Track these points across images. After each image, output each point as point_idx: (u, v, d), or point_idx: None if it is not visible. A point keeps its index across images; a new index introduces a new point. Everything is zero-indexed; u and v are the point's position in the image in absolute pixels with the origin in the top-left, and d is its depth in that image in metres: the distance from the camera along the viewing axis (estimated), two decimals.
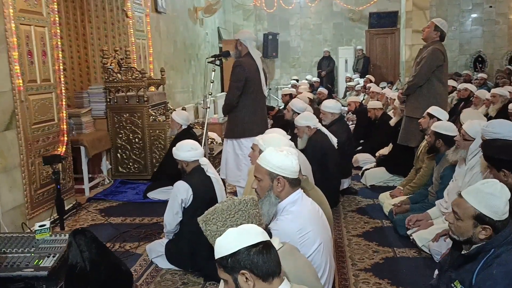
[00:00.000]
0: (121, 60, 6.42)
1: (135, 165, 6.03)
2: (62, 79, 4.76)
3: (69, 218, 4.67)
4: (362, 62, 12.78)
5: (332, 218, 2.76)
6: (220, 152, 6.11)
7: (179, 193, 3.35)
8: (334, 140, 4.68)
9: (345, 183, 5.19)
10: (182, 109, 6.50)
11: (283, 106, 9.28)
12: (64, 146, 4.72)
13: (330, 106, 5.16)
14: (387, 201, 4.59)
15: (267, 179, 2.29)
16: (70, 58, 6.34)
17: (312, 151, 4.50)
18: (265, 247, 1.56)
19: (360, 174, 5.84)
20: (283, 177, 2.27)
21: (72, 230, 2.81)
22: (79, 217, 4.74)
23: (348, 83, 11.41)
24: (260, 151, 2.88)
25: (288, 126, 5.85)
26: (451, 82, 8.49)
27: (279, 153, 2.30)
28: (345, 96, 11.72)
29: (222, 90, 12.13)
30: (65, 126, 4.77)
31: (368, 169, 5.78)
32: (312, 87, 11.17)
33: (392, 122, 6.03)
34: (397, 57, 12.96)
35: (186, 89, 9.41)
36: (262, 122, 4.54)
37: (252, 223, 1.85)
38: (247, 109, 4.41)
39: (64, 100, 4.81)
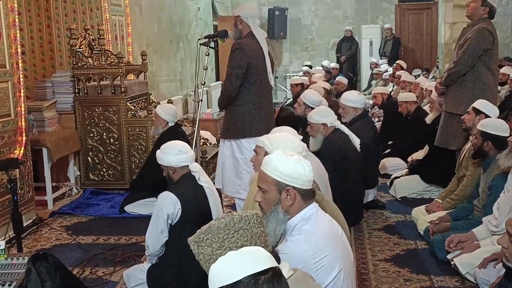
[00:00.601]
0: (92, 41, 6.44)
1: (110, 172, 6.04)
2: (20, 64, 4.77)
3: (28, 237, 4.68)
4: (391, 44, 12.80)
5: (349, 238, 2.77)
6: (215, 156, 6.11)
7: (164, 207, 3.34)
8: (356, 141, 4.68)
9: (370, 195, 5.20)
10: (168, 102, 6.48)
11: (291, 99, 9.31)
12: (22, 148, 4.74)
13: (352, 99, 5.16)
14: (422, 217, 4.58)
15: (274, 190, 2.29)
16: (30, 38, 6.36)
17: (329, 154, 4.51)
18: (274, 275, 1.55)
19: (388, 184, 5.84)
20: (294, 187, 2.27)
21: (32, 255, 2.81)
22: (41, 235, 4.74)
23: (374, 70, 11.42)
24: (266, 155, 2.87)
25: (299, 123, 5.85)
26: (502, 70, 8.48)
27: (289, 157, 2.30)
28: (369, 86, 11.74)
29: (218, 79, 12.18)
30: (23, 123, 4.78)
31: (398, 177, 5.78)
32: (329, 75, 11.18)
33: (429, 119, 6.02)
34: (434, 38, 12.95)
35: (173, 77, 9.43)
36: (268, 119, 4.54)
37: (256, 244, 1.83)
38: (249, 102, 4.41)
39: (22, 90, 4.82)
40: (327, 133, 4.63)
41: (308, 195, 2.31)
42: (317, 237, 2.23)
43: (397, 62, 11.09)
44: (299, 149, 2.90)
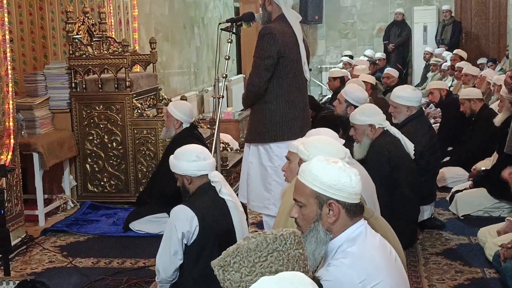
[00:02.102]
0: (92, 26, 6.51)
1: (112, 182, 6.09)
2: (8, 54, 4.83)
3: (17, 259, 4.73)
4: (451, 30, 12.71)
5: (405, 262, 2.75)
6: (238, 163, 6.12)
7: (179, 224, 3.36)
8: (409, 146, 4.65)
9: (426, 212, 5.15)
10: (182, 99, 6.51)
11: (330, 96, 9.29)
12: (10, 153, 4.80)
13: (406, 95, 5.13)
14: (490, 239, 4.53)
15: (313, 204, 2.28)
16: (19, 23, 6.45)
17: (376, 162, 4.49)
18: None
19: (448, 199, 5.79)
20: (337, 201, 2.26)
21: (20, 282, 2.84)
22: (31, 257, 4.79)
23: (430, 61, 11.33)
24: (301, 162, 2.87)
25: (339, 125, 5.83)
26: None
27: (332, 165, 2.29)
28: (423, 80, 11.65)
29: (239, 72, 12.21)
30: (11, 124, 4.85)
31: (461, 191, 5.72)
32: (375, 67, 11.13)
33: (498, 121, 5.94)
34: (503, 22, 12.79)
35: (186, 69, 9.49)
36: (303, 119, 4.53)
37: (293, 269, 1.83)
38: (280, 99, 4.41)
39: (10, 84, 4.89)
40: (375, 137, 4.61)
41: (355, 211, 2.30)
42: (366, 262, 2.22)
43: (456, 51, 10.98)
44: (341, 155, 2.89)
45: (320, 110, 7.32)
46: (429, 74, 11.27)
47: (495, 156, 5.84)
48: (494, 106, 6.69)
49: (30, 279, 3.15)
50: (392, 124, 4.86)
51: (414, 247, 4.73)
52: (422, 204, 4.99)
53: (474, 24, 13.45)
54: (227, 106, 9.62)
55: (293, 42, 4.42)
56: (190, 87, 9.60)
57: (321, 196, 2.26)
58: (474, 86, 7.63)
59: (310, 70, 4.67)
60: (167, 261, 3.40)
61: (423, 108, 8.48)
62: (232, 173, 6.25)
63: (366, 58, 11.65)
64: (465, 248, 4.74)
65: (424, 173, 4.99)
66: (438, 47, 12.38)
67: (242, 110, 9.02)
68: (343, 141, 3.52)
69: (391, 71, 9.59)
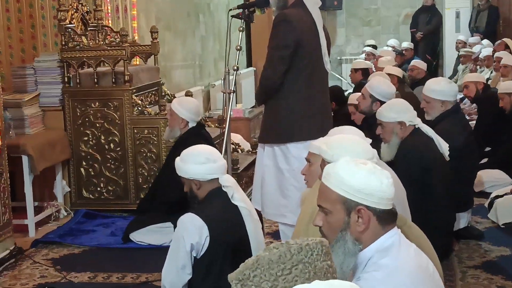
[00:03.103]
0: (87, 14, 6.52)
1: (110, 188, 6.10)
2: None
3: (5, 273, 4.74)
4: (486, 16, 12.64)
5: (442, 276, 2.74)
6: (250, 166, 6.11)
7: (187, 234, 3.37)
8: (444, 146, 4.64)
9: (462, 220, 5.14)
10: (187, 95, 6.51)
11: (351, 91, 9.27)
12: None
13: (440, 88, 5.11)
14: None
15: (340, 211, 2.28)
16: (5, 11, 6.46)
17: (407, 164, 4.48)
18: None
19: (486, 205, 5.76)
20: (367, 207, 2.26)
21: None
22: (21, 271, 4.79)
23: (461, 51, 11.29)
24: (324, 164, 2.87)
25: (364, 122, 5.82)
26: None
27: (360, 166, 2.29)
28: (455, 73, 11.60)
29: (250, 65, 12.21)
30: None
31: (501, 196, 5.69)
32: (401, 59, 11.10)
33: None
34: None
35: (191, 62, 9.50)
36: (324, 116, 4.53)
37: None
38: (299, 94, 4.41)
39: None
40: (405, 136, 4.60)
41: (387, 218, 2.30)
42: (400, 276, 2.21)
43: (502, 40, 10.87)
44: (369, 156, 2.89)
45: (344, 104, 7.32)
46: (460, 67, 11.23)
47: None
48: None
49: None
50: (424, 121, 4.84)
51: (450, 260, 4.71)
52: (458, 212, 4.97)
53: None
54: (236, 103, 9.61)
55: (312, 30, 4.42)
56: (195, 81, 9.61)
57: (349, 202, 2.26)
58: None
59: (329, 61, 4.67)
60: (174, 276, 3.40)
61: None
62: (243, 178, 6.25)
63: (391, 48, 11.64)
64: (507, 261, 4.71)
65: (460, 176, 4.97)
66: (472, 36, 12.33)
67: (253, 107, 9.04)
68: (370, 140, 3.52)
69: (418, 63, 9.54)
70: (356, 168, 2.28)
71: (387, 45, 12.33)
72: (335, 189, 2.28)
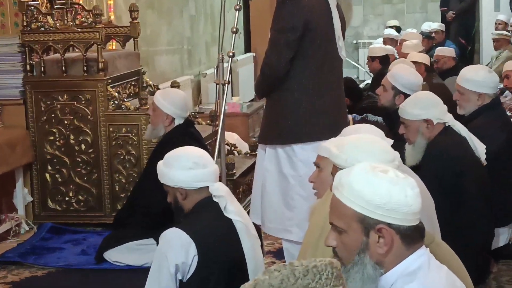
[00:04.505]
0: None
1: (81, 197, 6.10)
2: None
3: None
4: None
5: None
6: (248, 172, 6.11)
7: (171, 253, 3.37)
8: (480, 148, 4.64)
9: (502, 236, 5.15)
10: (173, 86, 6.51)
11: (369, 82, 9.28)
12: None
13: (478, 79, 5.12)
14: None
15: (357, 230, 2.27)
16: None
17: (436, 170, 4.48)
18: None
19: None
20: (390, 225, 2.24)
21: None
22: None
23: (495, 34, 11.27)
24: (335, 170, 2.86)
25: (385, 119, 5.82)
26: None
27: (380, 176, 2.27)
28: (492, 60, 11.59)
29: (248, 50, 12.21)
30: None
31: None
32: (431, 43, 11.09)
33: None
34: None
35: (178, 46, 9.51)
36: (337, 113, 4.55)
37: None
38: (307, 86, 4.43)
39: None
40: (433, 136, 4.59)
41: (413, 236, 2.28)
42: None
43: None
44: (389, 158, 2.89)
45: (360, 99, 7.30)
46: (493, 54, 11.21)
47: None
48: None
49: None
50: (456, 117, 4.83)
51: (487, 283, 4.72)
52: (497, 226, 4.97)
53: None
54: (233, 95, 9.63)
55: (323, 9, 4.44)
56: (183, 70, 9.61)
57: (367, 220, 2.24)
58: None
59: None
60: None
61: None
62: (240, 185, 6.26)
63: (418, 32, 11.62)
64: None
65: (499, 183, 4.97)
66: None
67: (253, 100, 9.04)
68: (391, 141, 3.51)
69: (442, 50, 9.51)
70: (374, 178, 2.26)
71: (422, 30, 12.30)
72: (350, 205, 2.26)
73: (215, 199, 3.49)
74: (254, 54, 11.79)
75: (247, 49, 12.31)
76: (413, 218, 2.26)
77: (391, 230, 2.24)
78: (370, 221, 2.24)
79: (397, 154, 3.19)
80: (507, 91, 7.98)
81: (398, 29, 12.21)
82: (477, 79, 5.11)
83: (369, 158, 2.68)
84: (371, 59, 8.36)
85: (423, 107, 4.63)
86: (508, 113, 7.80)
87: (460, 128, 4.66)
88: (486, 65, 11.56)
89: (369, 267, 2.25)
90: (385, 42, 10.67)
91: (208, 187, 3.49)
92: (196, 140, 5.15)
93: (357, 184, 2.25)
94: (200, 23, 10.31)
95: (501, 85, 8.02)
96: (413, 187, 2.27)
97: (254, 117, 8.50)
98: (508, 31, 11.18)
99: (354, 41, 13.97)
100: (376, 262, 2.26)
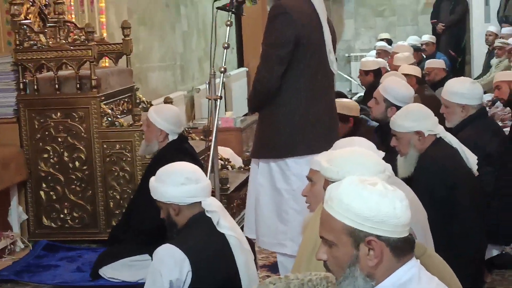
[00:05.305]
0: (45, 7, 6.52)
1: (75, 214, 6.08)
2: None
3: None
4: None
5: None
6: (242, 186, 6.11)
7: (165, 270, 3.38)
8: (471, 159, 4.64)
9: (495, 247, 5.14)
10: (166, 102, 6.51)
11: (362, 94, 9.29)
12: None
13: (461, 91, 5.15)
14: None
15: (347, 243, 2.27)
16: None
17: (428, 181, 4.49)
18: None
19: None
20: (379, 237, 2.25)
21: None
22: None
23: (498, 42, 11.29)
24: (327, 184, 2.87)
25: (377, 132, 5.83)
26: None
27: (369, 188, 2.28)
28: (486, 69, 11.61)
29: (241, 65, 12.22)
30: None
31: None
32: (421, 56, 11.12)
33: None
34: None
35: (170, 62, 9.51)
36: (329, 126, 4.55)
37: None
38: (299, 100, 4.43)
39: None
40: (425, 147, 4.59)
41: (403, 248, 2.29)
42: None
43: None
44: (379, 170, 2.92)
45: None
46: (493, 61, 11.23)
47: None
48: None
49: None
50: (446, 129, 4.85)
51: None
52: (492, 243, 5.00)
53: None
54: (226, 110, 9.63)
55: (314, 24, 4.45)
56: (176, 85, 9.61)
57: (356, 233, 2.25)
58: None
59: (335, 60, 4.70)
60: None
61: (487, 108, 8.51)
62: (234, 199, 6.25)
63: (409, 44, 11.66)
64: None
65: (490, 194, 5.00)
66: (501, 26, 12.39)
67: (246, 115, 9.04)
68: (383, 153, 3.52)
69: (432, 63, 9.50)
70: (363, 191, 2.27)
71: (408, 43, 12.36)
72: (339, 218, 2.27)
73: (207, 214, 3.49)
74: (247, 69, 11.80)
75: (240, 64, 12.31)
76: (403, 230, 2.27)
77: (381, 242, 2.24)
78: (359, 234, 2.24)
79: (388, 165, 3.21)
80: (498, 102, 8.00)
81: (389, 42, 12.23)
82: (461, 91, 5.15)
83: (359, 170, 2.72)
84: (365, 72, 8.35)
85: (414, 119, 4.64)
86: (500, 123, 7.83)
87: (451, 139, 4.67)
88: (478, 76, 11.65)
89: (360, 280, 2.25)
90: (379, 54, 10.69)
91: (200, 202, 3.50)
92: (190, 155, 5.15)
93: (346, 197, 2.26)
94: (193, 39, 10.32)
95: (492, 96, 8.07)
96: (402, 199, 2.28)
97: (247, 131, 8.49)
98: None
99: (346, 55, 13.98)
100: (367, 275, 2.26)
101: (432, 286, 2.31)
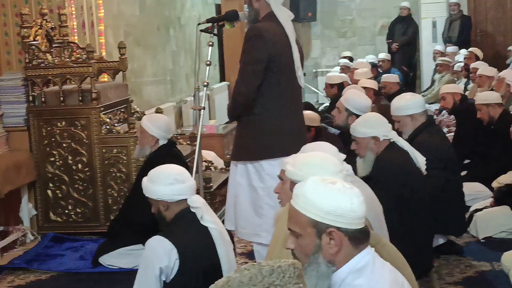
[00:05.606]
0: (52, 30, 6.50)
1: (78, 210, 6.05)
2: None
3: None
4: (459, 26, 12.80)
5: None
6: (224, 184, 6.10)
7: (156, 258, 3.38)
8: (420, 160, 4.67)
9: (441, 237, 5.17)
10: (157, 112, 6.51)
11: (327, 104, 9.32)
12: None
13: (404, 103, 5.17)
14: None
15: (311, 234, 2.29)
16: None
17: (383, 180, 4.50)
18: None
19: (466, 219, 5.78)
20: (339, 229, 2.27)
21: None
22: None
23: (439, 59, 11.39)
24: (293, 185, 2.88)
25: (340, 137, 5.85)
26: None
27: (329, 186, 2.30)
28: (432, 83, 11.70)
29: (223, 79, 12.22)
30: None
31: (480, 210, 5.74)
32: (378, 71, 11.17)
33: None
34: None
35: (161, 77, 9.49)
36: (298, 132, 4.55)
37: None
38: (272, 109, 4.42)
39: None
40: (380, 150, 4.62)
41: (360, 238, 2.31)
42: None
43: (469, 50, 11.05)
44: (336, 170, 2.94)
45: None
46: (436, 76, 11.33)
47: None
48: None
49: None
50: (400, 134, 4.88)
51: (429, 276, 4.73)
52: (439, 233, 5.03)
53: (490, 19, 13.55)
54: (210, 119, 9.62)
55: (285, 44, 4.44)
56: (167, 97, 9.59)
57: (319, 225, 2.27)
58: (492, 90, 7.66)
59: (304, 74, 4.71)
60: None
61: (435, 116, 8.58)
62: (217, 196, 6.24)
63: (368, 61, 11.70)
64: (488, 276, 4.74)
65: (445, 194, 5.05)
66: (446, 46, 12.48)
67: (227, 122, 9.03)
68: (344, 156, 3.53)
69: (387, 77, 9.50)
70: (324, 189, 2.29)
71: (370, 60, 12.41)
72: (304, 212, 2.29)
73: (192, 210, 3.50)
74: (228, 83, 11.77)
75: (222, 78, 12.30)
76: (359, 222, 2.28)
77: (340, 233, 2.26)
78: (322, 226, 2.26)
79: (345, 166, 3.24)
80: (444, 111, 8.06)
81: (351, 59, 12.24)
82: (404, 104, 5.16)
83: (318, 171, 2.73)
84: (330, 85, 8.34)
85: (371, 126, 4.67)
86: (445, 130, 7.90)
87: (403, 143, 4.71)
88: (427, 89, 11.73)
89: (323, 265, 2.27)
90: (342, 70, 10.71)
91: (186, 199, 3.50)
92: (178, 158, 5.15)
93: (310, 194, 2.28)
94: (181, 57, 10.30)
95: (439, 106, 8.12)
96: (358, 196, 2.30)
97: (228, 137, 8.47)
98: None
99: (314, 70, 13.99)
100: (329, 261, 2.28)
101: (385, 270, 2.33)
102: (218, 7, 12.10)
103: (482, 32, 13.50)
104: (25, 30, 6.02)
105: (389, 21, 13.62)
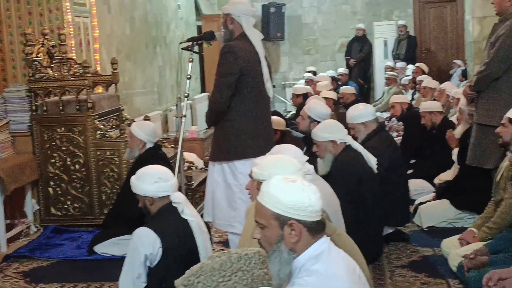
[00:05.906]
0: (52, 48, 6.45)
1: (76, 205, 6.01)
2: None
3: None
4: (406, 44, 12.92)
5: (370, 278, 2.75)
6: (203, 182, 6.10)
7: (142, 246, 3.38)
8: (372, 160, 4.70)
9: (390, 227, 5.19)
10: (145, 119, 6.48)
11: (294, 112, 9.35)
12: None
13: (357, 113, 5.18)
14: (454, 250, 4.57)
15: (275, 225, 2.30)
16: None
17: (340, 177, 4.52)
18: None
19: (412, 211, 5.83)
20: (298, 221, 2.28)
21: None
22: None
23: (386, 74, 11.48)
24: (259, 184, 2.90)
25: (303, 141, 5.87)
26: None
27: (290, 184, 2.32)
28: (383, 95, 11.80)
29: (203, 90, 12.20)
30: None
31: (424, 203, 5.78)
32: (337, 84, 11.23)
33: (458, 133, 6.05)
34: (460, 35, 13.05)
35: (149, 89, 9.44)
36: (266, 136, 4.55)
37: None
38: (243, 116, 4.43)
39: None
40: (337, 152, 4.64)
41: (317, 228, 2.32)
42: (330, 279, 2.23)
43: (417, 65, 11.17)
44: (296, 169, 2.96)
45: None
46: (385, 89, 11.43)
47: (456, 167, 5.92)
48: (454, 118, 6.80)
49: None
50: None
51: (380, 261, 4.75)
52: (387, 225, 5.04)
53: (433, 38, 13.72)
54: (192, 125, 9.59)
55: (255, 59, 4.46)
56: (154, 106, 9.54)
57: (281, 217, 2.28)
58: (434, 99, 7.74)
59: (274, 86, 4.73)
60: (130, 285, 3.40)
61: (385, 122, 8.64)
62: (197, 192, 6.22)
63: (329, 75, 11.76)
64: (430, 260, 4.78)
65: (388, 186, 5.02)
66: (395, 62, 12.58)
67: (207, 128, 9.03)
68: (307, 157, 3.55)
69: (345, 89, 9.55)
70: (286, 186, 2.31)
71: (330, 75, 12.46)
72: (269, 207, 2.30)
73: (174, 205, 3.50)
74: (208, 94, 11.73)
75: (203, 89, 12.26)
76: (316, 215, 2.30)
77: (300, 225, 2.27)
78: (284, 218, 2.27)
79: (307, 166, 3.26)
80: (393, 118, 8.12)
81: (314, 73, 12.30)
82: (358, 113, 5.18)
83: (280, 171, 2.77)
84: (296, 95, 8.38)
85: (330, 131, 4.69)
86: (394, 134, 7.96)
87: (357, 146, 4.73)
88: (379, 98, 11.81)
89: (285, 253, 2.28)
90: (306, 82, 10.74)
91: (169, 195, 3.51)
92: (163, 159, 5.13)
93: (274, 191, 2.29)
94: (166, 71, 10.26)
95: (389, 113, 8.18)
96: (315, 192, 2.31)
97: (208, 141, 8.43)
98: (396, 73, 11.46)
99: (282, 82, 14.00)
100: (290, 249, 2.29)
101: (339, 257, 2.35)
102: (199, 28, 12.07)
103: (427, 49, 13.64)
104: (28, 48, 5.98)
105: (347, 40, 13.67)
